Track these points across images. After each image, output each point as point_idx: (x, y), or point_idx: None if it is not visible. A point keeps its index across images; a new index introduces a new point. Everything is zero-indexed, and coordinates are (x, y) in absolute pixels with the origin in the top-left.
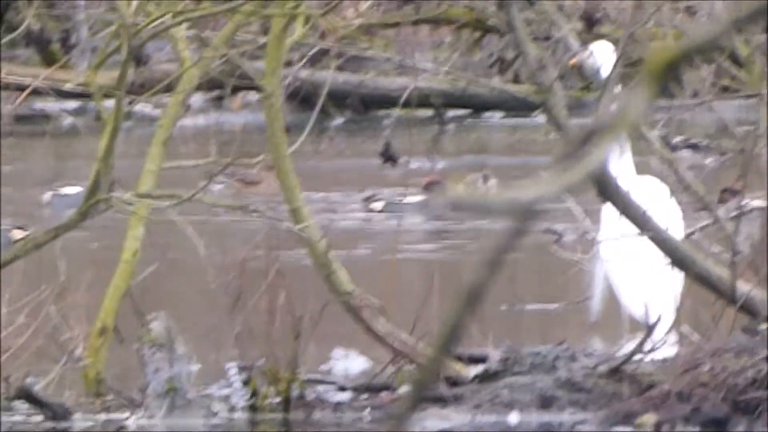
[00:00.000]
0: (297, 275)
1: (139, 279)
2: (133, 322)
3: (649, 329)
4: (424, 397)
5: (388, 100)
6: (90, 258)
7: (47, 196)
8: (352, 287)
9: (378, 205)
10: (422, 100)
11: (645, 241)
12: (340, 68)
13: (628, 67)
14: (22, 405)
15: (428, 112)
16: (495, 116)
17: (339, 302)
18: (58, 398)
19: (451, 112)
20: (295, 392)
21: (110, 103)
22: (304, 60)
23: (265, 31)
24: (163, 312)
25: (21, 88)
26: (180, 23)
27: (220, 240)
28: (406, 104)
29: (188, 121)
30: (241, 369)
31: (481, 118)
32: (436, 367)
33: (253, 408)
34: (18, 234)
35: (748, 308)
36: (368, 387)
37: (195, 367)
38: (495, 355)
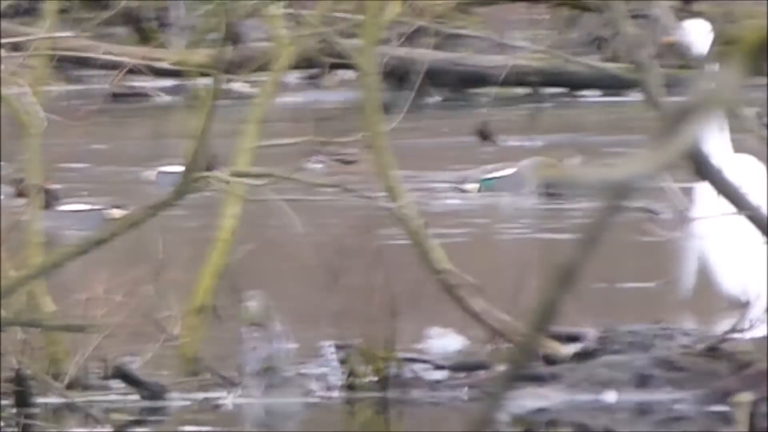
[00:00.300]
0: (394, 254)
1: (236, 257)
2: (231, 301)
3: (746, 307)
4: (520, 375)
5: (485, 79)
6: (188, 236)
7: (152, 174)
8: (448, 265)
9: (473, 186)
10: (519, 78)
11: (741, 219)
12: (437, 46)
13: (724, 45)
14: (118, 384)
15: (525, 91)
16: (592, 94)
17: (435, 281)
18: (155, 377)
19: (548, 91)
20: (391, 371)
21: (207, 81)
22: (402, 38)
23: (360, 9)
24: (261, 290)
25: (117, 67)
26: (276, 1)
27: (317, 219)
28: (504, 82)
29: (285, 100)
30: (338, 348)
31: (578, 96)
32: (531, 345)
33: (349, 387)
34: (116, 213)
35: None
36: (465, 365)
37: (292, 346)
38: (592, 333)
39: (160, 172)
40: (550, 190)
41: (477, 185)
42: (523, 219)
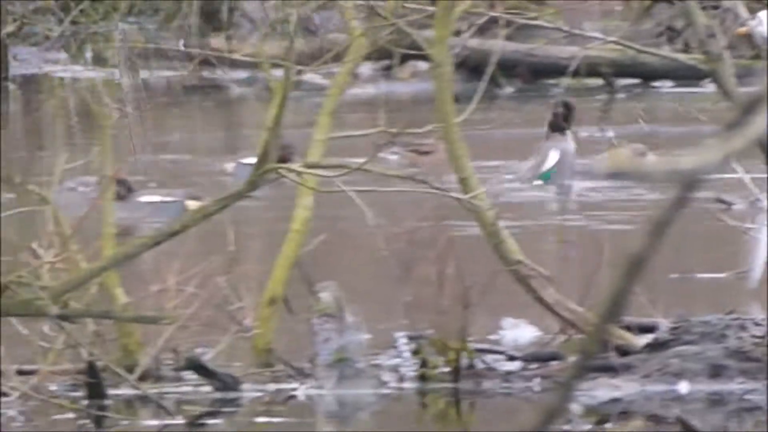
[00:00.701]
0: (466, 245)
1: (308, 249)
2: (303, 292)
3: None
4: (590, 366)
5: (557, 69)
6: (260, 228)
7: (230, 165)
8: (521, 256)
9: (532, 179)
10: (592, 69)
11: None
12: (509, 37)
13: None
14: (191, 375)
15: (598, 81)
16: (665, 85)
17: (508, 271)
18: (228, 369)
19: (621, 81)
20: (464, 362)
21: (279, 72)
22: (473, 29)
23: (433, 0)
24: (333, 282)
25: (191, 58)
26: None
27: (389, 210)
28: (576, 73)
29: (357, 91)
30: (411, 339)
31: (651, 86)
32: (601, 335)
33: (422, 378)
34: (192, 204)
35: None
36: (537, 356)
37: (364, 337)
38: (665, 324)
39: (238, 164)
40: (615, 180)
41: (536, 178)
42: (596, 209)
